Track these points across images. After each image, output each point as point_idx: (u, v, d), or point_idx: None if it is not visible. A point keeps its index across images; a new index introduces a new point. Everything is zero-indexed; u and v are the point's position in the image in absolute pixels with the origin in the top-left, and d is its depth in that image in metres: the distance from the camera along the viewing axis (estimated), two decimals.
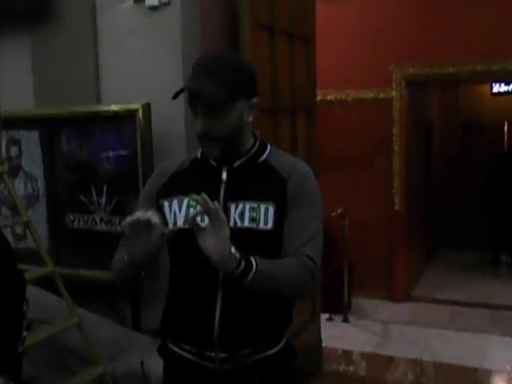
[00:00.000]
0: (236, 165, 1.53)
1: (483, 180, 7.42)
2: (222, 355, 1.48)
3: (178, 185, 1.55)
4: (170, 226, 1.52)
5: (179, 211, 1.52)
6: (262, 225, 1.47)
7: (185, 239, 1.49)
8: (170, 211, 1.53)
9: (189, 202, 1.51)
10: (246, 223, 1.47)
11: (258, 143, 1.57)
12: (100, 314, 2.78)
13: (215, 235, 1.36)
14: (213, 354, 1.49)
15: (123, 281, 1.57)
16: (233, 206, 1.48)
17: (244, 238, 1.45)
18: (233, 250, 1.36)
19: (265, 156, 1.56)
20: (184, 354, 1.54)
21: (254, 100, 1.52)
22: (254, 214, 1.47)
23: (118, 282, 1.60)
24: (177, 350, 1.56)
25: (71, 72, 3.01)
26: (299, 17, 3.36)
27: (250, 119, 1.53)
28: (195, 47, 2.75)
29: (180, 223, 1.51)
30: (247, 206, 1.47)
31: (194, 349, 1.52)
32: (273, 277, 1.43)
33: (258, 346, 1.52)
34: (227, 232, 1.37)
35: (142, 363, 2.38)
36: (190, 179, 1.56)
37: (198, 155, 1.59)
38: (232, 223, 1.46)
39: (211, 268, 1.41)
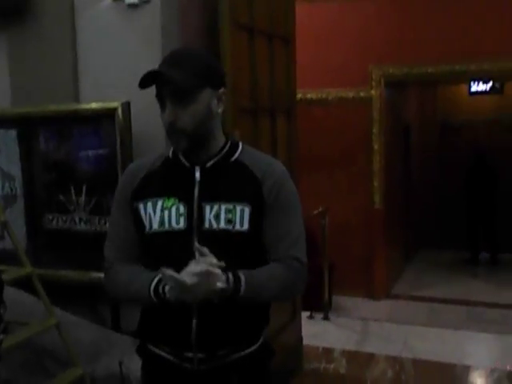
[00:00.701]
0: (209, 165, 1.52)
1: (461, 179, 7.51)
2: (199, 355, 1.49)
3: (151, 186, 1.54)
4: (147, 228, 1.51)
5: (154, 214, 1.50)
6: (237, 226, 1.47)
7: (160, 242, 1.50)
8: (146, 214, 1.52)
9: (163, 204, 1.50)
10: (222, 225, 1.46)
11: (229, 142, 1.56)
12: (79, 314, 2.75)
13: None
14: (191, 355, 1.49)
15: (127, 301, 1.56)
16: (207, 207, 1.47)
17: (220, 239, 1.46)
18: (219, 284, 1.36)
19: (237, 155, 1.55)
20: (162, 354, 1.54)
21: (222, 90, 1.51)
22: (230, 216, 1.46)
23: (118, 299, 1.58)
24: (155, 350, 1.56)
25: (49, 71, 2.98)
26: (279, 17, 3.37)
27: (220, 111, 1.51)
28: (175, 46, 2.73)
29: (155, 226, 1.50)
30: (223, 208, 1.47)
31: (171, 349, 1.52)
32: (262, 289, 1.45)
33: (236, 346, 1.53)
34: (213, 287, 1.36)
35: (121, 364, 2.37)
36: (163, 180, 1.55)
37: (170, 154, 1.57)
38: (207, 225, 1.46)
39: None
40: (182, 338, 1.49)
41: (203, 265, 1.35)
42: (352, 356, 4.17)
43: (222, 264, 1.37)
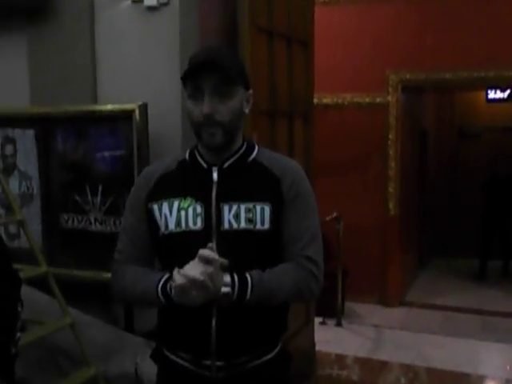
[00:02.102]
0: (226, 165, 1.51)
1: (477, 186, 7.41)
2: (218, 363, 1.47)
3: (167, 187, 1.52)
4: (162, 229, 1.49)
5: (170, 214, 1.48)
6: (259, 225, 1.45)
7: (176, 243, 1.48)
8: (161, 215, 1.50)
9: (179, 204, 1.48)
10: (243, 224, 1.45)
11: (245, 143, 1.56)
12: (93, 314, 2.76)
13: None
14: (209, 363, 1.47)
15: (133, 302, 1.55)
16: (226, 208, 1.46)
17: (241, 239, 1.44)
18: (223, 289, 1.36)
19: (254, 155, 1.55)
20: (180, 361, 1.52)
21: (250, 92, 1.53)
22: (251, 215, 1.45)
23: (125, 301, 1.56)
24: (173, 357, 1.54)
25: (68, 71, 3.00)
26: (298, 20, 3.37)
27: (247, 111, 1.53)
28: (193, 49, 2.73)
29: (172, 226, 1.48)
30: (242, 207, 1.45)
31: (190, 356, 1.50)
32: (272, 291, 1.42)
33: (255, 353, 1.50)
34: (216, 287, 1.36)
35: (136, 368, 2.36)
36: (179, 181, 1.53)
37: (186, 156, 1.57)
38: (227, 225, 1.45)
39: None
40: (201, 346, 1.46)
41: (198, 269, 1.34)
42: (365, 363, 4.14)
43: (225, 262, 1.36)
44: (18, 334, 1.40)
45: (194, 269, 1.34)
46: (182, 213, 1.47)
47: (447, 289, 6.63)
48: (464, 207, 7.99)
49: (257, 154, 1.55)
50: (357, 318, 5.42)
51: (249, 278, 1.39)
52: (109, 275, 2.66)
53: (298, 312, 3.51)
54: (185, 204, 1.47)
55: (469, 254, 7.68)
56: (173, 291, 1.38)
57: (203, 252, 1.35)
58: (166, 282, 1.41)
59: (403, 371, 4.00)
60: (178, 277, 1.34)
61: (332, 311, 4.99)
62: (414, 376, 3.93)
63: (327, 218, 4.88)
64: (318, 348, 3.93)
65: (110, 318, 2.89)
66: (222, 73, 1.42)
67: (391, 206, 5.82)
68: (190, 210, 1.47)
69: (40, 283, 2.57)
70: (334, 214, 4.99)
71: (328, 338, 4.48)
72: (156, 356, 1.61)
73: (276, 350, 1.56)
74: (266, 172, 1.51)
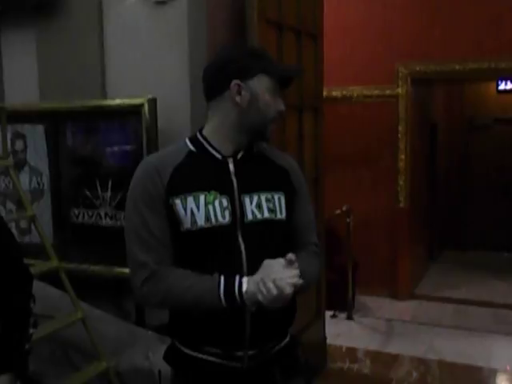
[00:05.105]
0: (239, 156, 1.52)
1: (487, 179, 7.35)
2: (251, 352, 1.47)
3: (185, 180, 1.46)
4: (188, 225, 1.43)
5: (198, 210, 1.43)
6: (278, 215, 1.49)
7: (206, 238, 1.44)
8: (186, 210, 1.43)
9: (205, 198, 1.44)
10: (266, 214, 1.47)
11: None
12: (104, 309, 2.77)
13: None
14: (241, 353, 1.46)
15: (178, 308, 1.48)
16: (247, 199, 1.46)
17: (264, 229, 1.47)
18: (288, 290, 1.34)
19: (255, 148, 1.57)
20: (206, 357, 1.48)
21: None
22: (271, 205, 1.48)
23: (166, 307, 1.50)
24: (196, 354, 1.49)
25: (77, 66, 3.00)
26: (307, 13, 3.34)
27: None
28: (202, 43, 2.74)
29: (201, 222, 1.43)
30: (263, 198, 1.48)
31: (219, 350, 1.47)
32: (305, 277, 1.42)
33: (279, 337, 1.55)
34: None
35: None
36: (196, 173, 1.48)
37: (191, 148, 1.52)
38: (250, 216, 1.46)
39: (237, 265, 1.42)
40: (234, 336, 1.45)
41: (289, 273, 1.34)
42: (376, 356, 4.13)
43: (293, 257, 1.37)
44: (31, 330, 1.40)
45: (286, 274, 1.33)
46: (210, 207, 1.44)
47: (458, 281, 6.60)
48: (475, 199, 7.94)
49: (256, 146, 1.57)
50: (368, 311, 5.41)
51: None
52: (119, 270, 2.66)
53: (309, 305, 3.50)
54: (210, 198, 1.45)
55: (480, 247, 7.64)
56: (248, 298, 1.35)
57: (291, 256, 1.35)
58: (226, 285, 1.37)
59: (414, 364, 3.99)
60: (273, 286, 1.31)
61: (343, 304, 4.98)
62: (425, 369, 3.92)
63: (337, 212, 4.86)
64: (329, 341, 3.93)
65: (121, 312, 2.90)
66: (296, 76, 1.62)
67: (401, 198, 5.79)
68: (217, 204, 1.44)
69: (51, 278, 2.58)
70: (344, 208, 4.97)
71: (339, 331, 4.48)
72: (171, 356, 1.57)
73: (289, 335, 1.60)
74: (273, 163, 1.57)
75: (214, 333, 1.47)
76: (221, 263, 1.42)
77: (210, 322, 1.46)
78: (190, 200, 1.44)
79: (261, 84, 1.48)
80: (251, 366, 1.48)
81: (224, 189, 1.46)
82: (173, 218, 1.44)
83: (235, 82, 1.46)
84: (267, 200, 1.48)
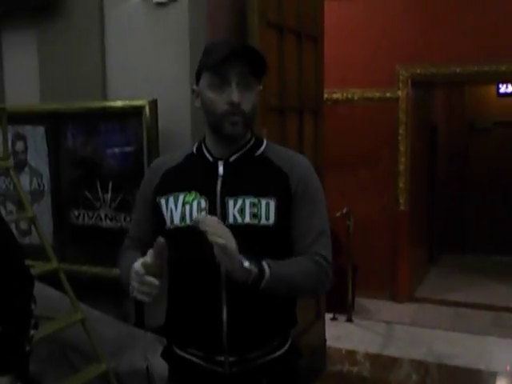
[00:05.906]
0: (232, 159, 1.50)
1: (487, 182, 7.35)
2: (231, 359, 1.46)
3: (173, 181, 1.51)
4: (168, 224, 1.49)
5: (175, 209, 1.47)
6: (263, 220, 1.43)
7: (182, 237, 1.46)
8: (167, 209, 1.49)
9: (184, 198, 1.47)
10: (247, 219, 1.43)
11: (253, 138, 1.55)
12: (103, 310, 2.77)
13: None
14: (222, 358, 1.46)
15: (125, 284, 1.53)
16: (231, 202, 1.44)
17: (245, 234, 1.40)
18: (246, 264, 1.30)
19: (261, 150, 1.53)
20: (192, 358, 1.51)
21: (260, 87, 1.51)
22: (255, 210, 1.43)
23: (124, 285, 1.55)
24: (184, 354, 1.53)
25: (78, 68, 3.00)
26: (307, 15, 3.35)
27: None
28: (202, 44, 2.72)
29: (177, 221, 1.47)
30: (247, 202, 1.43)
31: (202, 353, 1.49)
32: (287, 280, 1.40)
33: (266, 348, 1.50)
34: (233, 246, 1.30)
35: (147, 364, 2.36)
36: (185, 175, 1.53)
37: (194, 150, 1.56)
38: (231, 220, 1.43)
39: (212, 267, 1.38)
40: (213, 341, 1.46)
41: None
42: (376, 359, 4.13)
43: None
44: (32, 332, 1.40)
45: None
46: (187, 207, 1.46)
47: (458, 284, 6.60)
48: (474, 202, 7.94)
49: (265, 148, 1.54)
50: (367, 313, 5.41)
51: (266, 267, 1.34)
52: (119, 271, 2.65)
53: (308, 308, 3.50)
54: (189, 198, 1.46)
55: (479, 250, 7.64)
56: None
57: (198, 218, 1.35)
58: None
59: (414, 367, 3.99)
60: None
61: (342, 307, 4.97)
62: (424, 372, 3.92)
63: (337, 214, 4.87)
64: (328, 344, 3.92)
65: (121, 313, 2.90)
66: (250, 63, 1.41)
67: (401, 201, 5.80)
68: (195, 204, 1.45)
69: (51, 279, 2.58)
70: (345, 210, 4.97)
71: (339, 333, 4.48)
72: (167, 355, 1.61)
73: (286, 346, 1.55)
74: (273, 167, 1.50)
75: (194, 336, 1.50)
76: (198, 263, 1.42)
77: (190, 325, 1.49)
78: (171, 199, 1.49)
79: (204, 82, 1.46)
80: (234, 372, 1.47)
81: (205, 190, 1.45)
82: (160, 217, 1.51)
83: (193, 87, 1.52)
84: (252, 205, 1.43)
